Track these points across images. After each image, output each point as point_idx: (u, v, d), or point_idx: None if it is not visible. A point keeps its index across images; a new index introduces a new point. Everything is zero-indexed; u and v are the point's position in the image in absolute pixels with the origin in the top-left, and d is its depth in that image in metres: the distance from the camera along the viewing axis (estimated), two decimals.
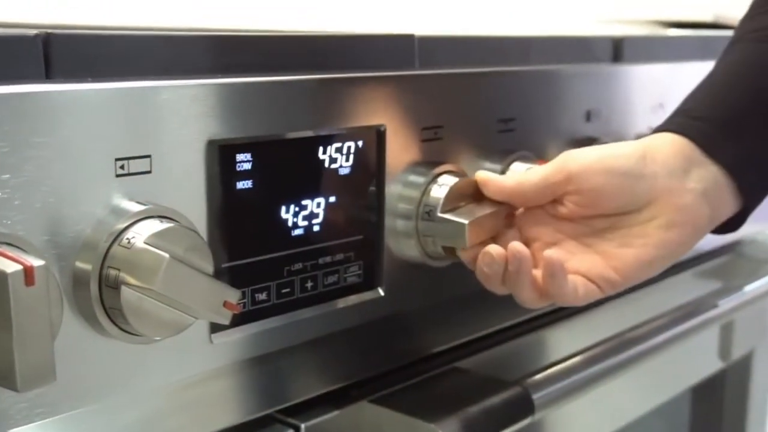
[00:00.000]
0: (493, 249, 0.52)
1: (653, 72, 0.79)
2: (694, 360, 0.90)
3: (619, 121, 0.73)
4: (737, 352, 0.99)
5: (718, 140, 0.56)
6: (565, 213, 0.55)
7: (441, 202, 0.56)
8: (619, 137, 0.73)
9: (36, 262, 0.35)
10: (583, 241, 0.55)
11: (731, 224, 0.59)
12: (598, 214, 0.55)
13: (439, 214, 0.54)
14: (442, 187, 0.56)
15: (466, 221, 0.53)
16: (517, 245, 0.52)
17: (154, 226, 0.41)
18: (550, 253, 0.52)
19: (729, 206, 0.57)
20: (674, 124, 0.57)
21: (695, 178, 0.55)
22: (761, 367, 1.07)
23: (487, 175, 0.55)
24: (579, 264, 0.54)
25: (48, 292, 0.36)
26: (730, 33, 0.69)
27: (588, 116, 0.70)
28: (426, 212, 0.56)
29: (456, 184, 0.56)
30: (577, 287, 0.53)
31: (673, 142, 0.56)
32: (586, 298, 0.54)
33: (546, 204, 0.55)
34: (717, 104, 0.58)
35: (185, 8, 0.81)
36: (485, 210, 0.55)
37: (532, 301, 0.53)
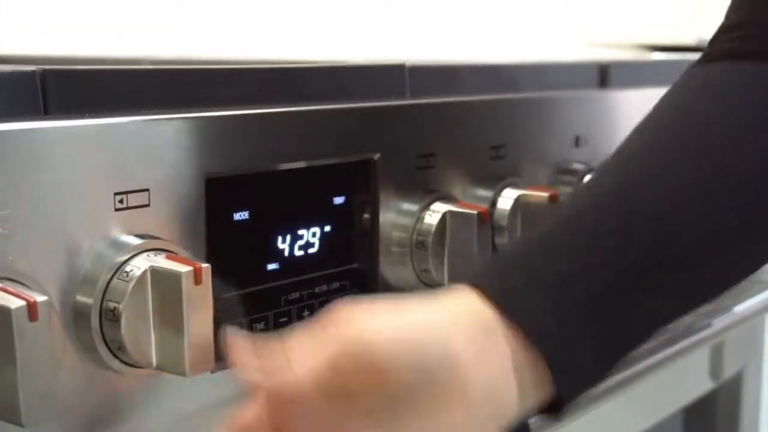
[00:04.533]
0: None
1: (640, 97, 0.79)
2: (685, 380, 0.90)
3: (607, 147, 0.73)
4: (728, 372, 0.99)
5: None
6: None
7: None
8: None
9: (39, 298, 0.36)
10: None
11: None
12: None
13: None
14: (435, 214, 0.57)
15: None
16: None
17: (153, 259, 0.42)
18: None
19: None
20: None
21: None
22: (751, 385, 1.07)
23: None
24: None
25: (51, 326, 0.37)
26: None
27: (577, 142, 0.71)
28: (419, 241, 0.57)
29: None
30: None
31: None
32: None
33: None
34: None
35: (177, 40, 0.82)
36: None
37: None
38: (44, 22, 0.80)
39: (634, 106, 0.77)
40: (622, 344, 0.43)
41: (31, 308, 0.36)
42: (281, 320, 0.51)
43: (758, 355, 1.08)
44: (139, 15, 0.86)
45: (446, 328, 0.38)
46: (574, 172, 0.69)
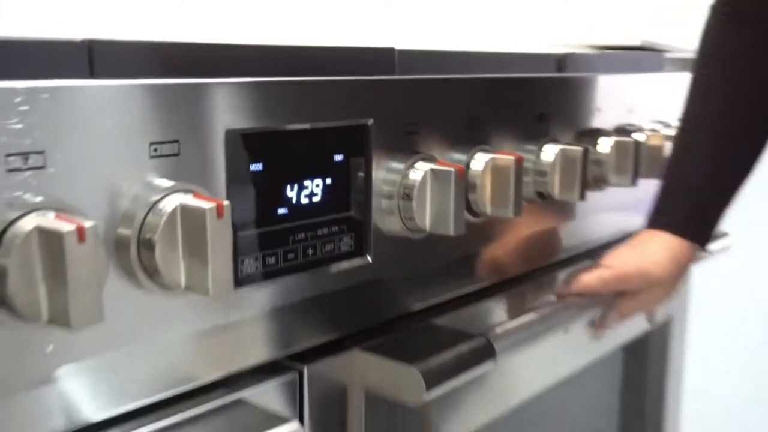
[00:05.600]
0: None
1: (590, 81, 0.80)
2: (625, 323, 0.91)
3: (565, 122, 0.74)
4: (660, 317, 1.00)
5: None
6: None
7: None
8: (565, 134, 0.74)
9: (87, 223, 0.36)
10: None
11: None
12: None
13: None
14: (418, 171, 0.56)
15: None
16: None
17: (182, 198, 0.42)
18: None
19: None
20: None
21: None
22: (678, 331, 1.08)
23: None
24: None
25: (96, 248, 0.37)
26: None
27: (540, 117, 0.71)
28: (406, 194, 0.56)
29: None
30: None
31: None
32: None
33: None
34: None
35: (204, 24, 0.80)
36: None
37: None
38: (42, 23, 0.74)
39: (586, 88, 0.78)
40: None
41: (80, 232, 0.36)
42: (289, 256, 0.51)
43: (684, 306, 1.09)
44: (139, 15, 0.81)
45: (659, 261, 0.71)
46: (537, 142, 0.69)
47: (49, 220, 0.36)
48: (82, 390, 0.41)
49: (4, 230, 0.36)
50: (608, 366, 0.96)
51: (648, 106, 0.86)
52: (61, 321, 0.37)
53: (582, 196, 0.69)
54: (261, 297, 0.50)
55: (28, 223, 0.36)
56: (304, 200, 0.52)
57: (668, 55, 0.99)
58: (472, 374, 0.58)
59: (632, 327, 0.93)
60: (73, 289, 0.36)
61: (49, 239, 0.36)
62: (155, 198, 0.41)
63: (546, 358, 0.76)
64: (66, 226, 0.35)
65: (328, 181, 0.53)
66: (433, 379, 0.54)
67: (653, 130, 0.84)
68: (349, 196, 0.55)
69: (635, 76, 0.85)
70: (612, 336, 0.89)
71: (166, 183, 0.42)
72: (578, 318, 0.72)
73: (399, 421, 0.61)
